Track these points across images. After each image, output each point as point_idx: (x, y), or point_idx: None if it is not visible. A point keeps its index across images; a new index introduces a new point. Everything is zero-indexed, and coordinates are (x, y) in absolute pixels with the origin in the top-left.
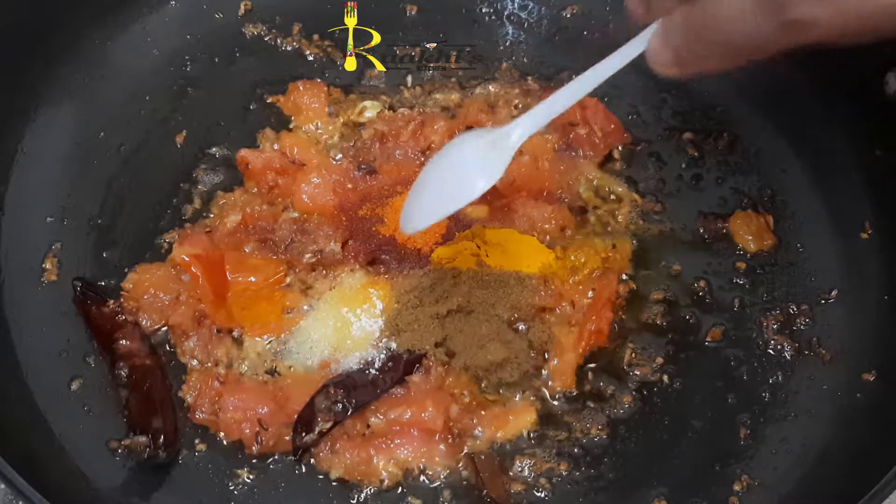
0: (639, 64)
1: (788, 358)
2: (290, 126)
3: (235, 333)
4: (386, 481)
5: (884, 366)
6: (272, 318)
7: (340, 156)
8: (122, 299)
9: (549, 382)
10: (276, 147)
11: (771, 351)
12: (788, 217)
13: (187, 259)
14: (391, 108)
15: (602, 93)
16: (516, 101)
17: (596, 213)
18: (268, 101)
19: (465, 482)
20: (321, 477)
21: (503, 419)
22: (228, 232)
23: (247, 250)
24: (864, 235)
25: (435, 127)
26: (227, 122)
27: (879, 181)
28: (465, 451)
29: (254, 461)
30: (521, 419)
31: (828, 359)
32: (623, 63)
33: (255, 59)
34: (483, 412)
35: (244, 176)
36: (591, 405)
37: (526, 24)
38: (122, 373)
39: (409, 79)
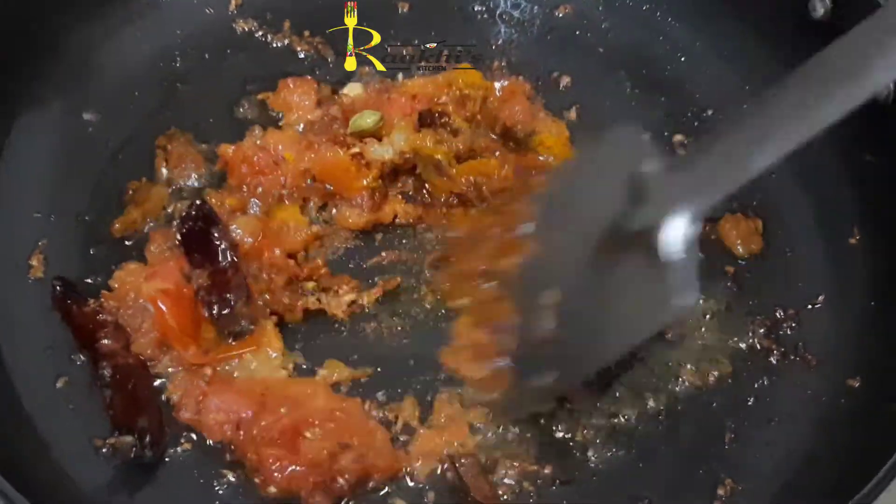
0: (634, 63)
1: (774, 363)
2: (280, 123)
3: None
4: (370, 482)
5: (868, 372)
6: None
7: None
8: (102, 298)
9: None
10: (258, 143)
11: (757, 355)
12: (777, 221)
13: (153, 294)
14: None
15: None
16: None
17: None
18: (257, 97)
19: (449, 484)
20: None
21: None
22: None
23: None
24: (853, 241)
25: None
26: (216, 119)
27: (868, 186)
28: (447, 452)
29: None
30: None
31: (813, 364)
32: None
33: (246, 55)
34: None
35: (227, 173)
36: (576, 409)
37: (518, 23)
38: (106, 372)
39: (400, 76)
